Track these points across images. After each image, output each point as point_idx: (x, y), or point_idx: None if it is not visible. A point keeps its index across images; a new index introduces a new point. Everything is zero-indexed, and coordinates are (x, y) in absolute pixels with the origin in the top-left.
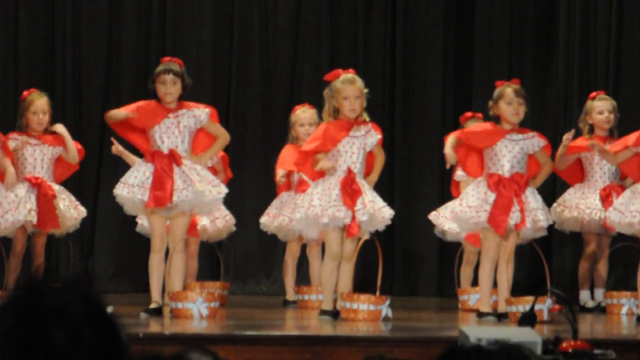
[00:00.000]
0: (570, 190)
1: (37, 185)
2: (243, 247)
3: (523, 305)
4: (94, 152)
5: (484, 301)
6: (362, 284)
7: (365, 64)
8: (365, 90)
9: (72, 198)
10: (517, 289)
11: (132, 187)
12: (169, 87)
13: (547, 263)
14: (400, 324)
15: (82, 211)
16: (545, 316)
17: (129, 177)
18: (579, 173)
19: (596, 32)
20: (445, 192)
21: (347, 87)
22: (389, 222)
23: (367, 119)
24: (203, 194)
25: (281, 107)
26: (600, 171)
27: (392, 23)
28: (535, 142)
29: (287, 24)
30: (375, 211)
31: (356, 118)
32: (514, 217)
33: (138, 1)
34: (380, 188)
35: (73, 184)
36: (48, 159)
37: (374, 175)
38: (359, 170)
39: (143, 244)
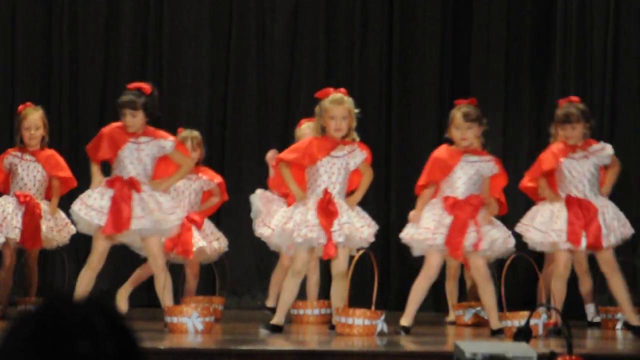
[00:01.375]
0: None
1: (25, 202)
2: (239, 262)
3: (518, 320)
4: (89, 165)
5: (409, 315)
6: (358, 298)
7: (361, 72)
8: (356, 110)
9: (62, 216)
10: (512, 304)
11: (90, 210)
12: (128, 119)
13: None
14: (395, 338)
15: (71, 230)
16: (541, 331)
17: (88, 198)
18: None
19: (593, 35)
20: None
21: (335, 107)
22: (367, 242)
23: (356, 138)
24: (160, 223)
25: (278, 120)
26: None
27: (389, 30)
28: (490, 166)
29: (284, 34)
30: (352, 232)
31: (343, 138)
32: (469, 239)
33: (135, 13)
34: (377, 200)
35: (68, 197)
36: (41, 176)
37: (358, 194)
38: (338, 191)
39: (138, 259)
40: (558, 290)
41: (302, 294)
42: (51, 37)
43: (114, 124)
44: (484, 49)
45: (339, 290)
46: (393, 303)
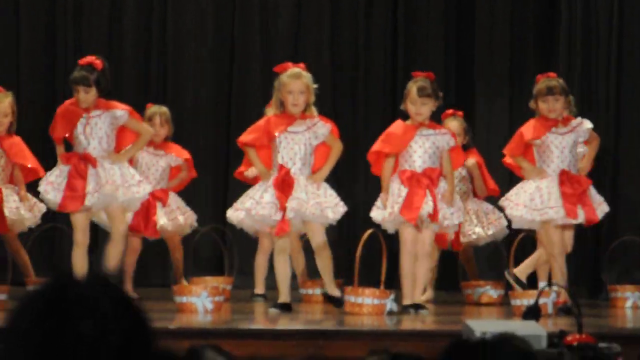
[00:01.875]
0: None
1: None
2: (247, 241)
3: (527, 298)
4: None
5: (406, 295)
6: (367, 278)
7: (366, 68)
8: (315, 86)
9: (29, 196)
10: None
11: (47, 186)
12: (82, 96)
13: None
14: (404, 317)
15: (40, 208)
16: (550, 310)
17: (50, 175)
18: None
19: (598, 31)
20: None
21: (292, 81)
22: (332, 219)
23: (315, 113)
24: (114, 197)
25: None
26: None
27: (393, 25)
28: (447, 139)
29: (287, 28)
30: (303, 208)
31: (303, 113)
32: (426, 208)
33: (138, 5)
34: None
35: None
36: (4, 162)
37: (325, 168)
38: (299, 167)
39: (147, 240)
40: (561, 267)
41: (312, 274)
42: (55, 29)
43: (67, 102)
44: (487, 49)
45: (321, 263)
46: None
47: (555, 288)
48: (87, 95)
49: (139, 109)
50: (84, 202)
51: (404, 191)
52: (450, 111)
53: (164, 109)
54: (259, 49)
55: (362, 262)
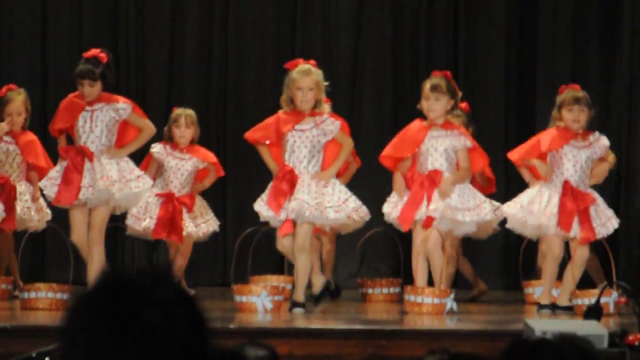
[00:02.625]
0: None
1: (2, 184)
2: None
3: (589, 298)
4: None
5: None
6: (429, 277)
7: (426, 66)
8: (326, 83)
9: (41, 200)
10: (584, 282)
11: (46, 182)
12: (87, 89)
13: (614, 255)
14: (464, 317)
15: (45, 215)
16: (612, 309)
17: (52, 171)
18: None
19: None
20: (510, 192)
21: (302, 77)
22: (333, 219)
23: (325, 110)
24: (109, 192)
25: (344, 101)
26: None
27: (454, 29)
28: (462, 140)
29: (349, 18)
30: (301, 208)
31: (312, 110)
32: (419, 214)
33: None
34: None
35: None
36: (20, 159)
37: (333, 166)
38: (304, 165)
39: (207, 239)
40: (551, 274)
41: (370, 274)
42: (118, 25)
43: (71, 95)
44: (549, 53)
45: (297, 264)
46: (462, 282)
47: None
48: (92, 89)
49: (201, 109)
50: (78, 196)
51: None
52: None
53: (190, 111)
54: (321, 55)
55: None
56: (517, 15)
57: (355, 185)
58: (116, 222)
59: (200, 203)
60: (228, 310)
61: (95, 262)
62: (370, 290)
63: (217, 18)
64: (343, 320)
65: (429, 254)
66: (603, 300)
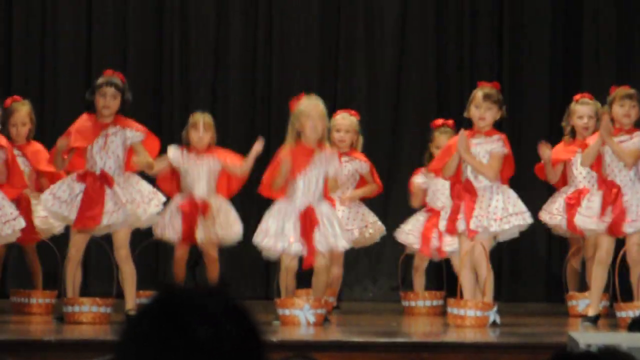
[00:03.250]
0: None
1: (17, 199)
2: (349, 253)
3: (633, 310)
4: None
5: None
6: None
7: (471, 73)
8: (328, 121)
9: None
10: (629, 294)
11: (61, 202)
12: (109, 100)
13: None
14: (507, 329)
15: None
16: None
17: (58, 190)
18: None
19: None
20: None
21: (311, 108)
22: (342, 249)
23: (328, 145)
24: (135, 215)
25: (385, 118)
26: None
27: (498, 30)
28: (499, 145)
29: (393, 30)
30: (332, 242)
31: (319, 143)
32: (460, 226)
33: (245, 9)
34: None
35: None
36: (29, 170)
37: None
38: (317, 198)
39: (251, 252)
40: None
41: (409, 284)
42: (163, 26)
43: (84, 117)
44: (594, 63)
45: (316, 282)
46: (503, 295)
47: None
48: (114, 100)
49: (245, 116)
50: (99, 221)
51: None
52: (439, 121)
53: (208, 116)
54: (363, 55)
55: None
56: (562, 26)
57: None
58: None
59: (224, 208)
60: (270, 324)
61: (129, 279)
62: (412, 303)
63: (261, 25)
64: (385, 333)
65: (476, 265)
66: None
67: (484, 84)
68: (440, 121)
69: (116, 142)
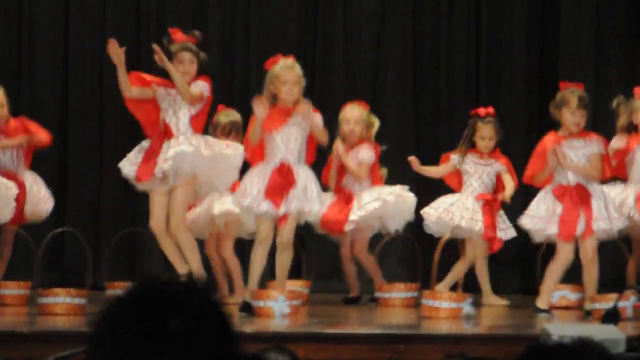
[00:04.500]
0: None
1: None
2: (325, 245)
3: (606, 302)
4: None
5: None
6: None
7: (448, 74)
8: (304, 81)
9: (42, 189)
10: (602, 286)
11: (125, 162)
12: (187, 65)
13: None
14: (481, 321)
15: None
16: (629, 313)
17: (131, 153)
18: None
19: None
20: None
21: (286, 72)
22: (315, 215)
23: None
24: (184, 157)
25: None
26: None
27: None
28: (598, 146)
29: (370, 30)
30: (301, 205)
31: (294, 105)
32: (580, 228)
33: (222, 17)
34: None
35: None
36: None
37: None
38: (296, 158)
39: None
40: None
41: (388, 278)
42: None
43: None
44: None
45: (278, 263)
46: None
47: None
48: (191, 65)
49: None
50: (154, 172)
51: (558, 207)
52: (482, 110)
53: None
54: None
55: (440, 267)
56: (539, 30)
57: None
58: (136, 227)
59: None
60: (245, 315)
61: (188, 251)
62: (387, 295)
63: (239, 26)
64: (360, 324)
65: (589, 262)
66: (621, 304)
67: (569, 85)
68: (483, 110)
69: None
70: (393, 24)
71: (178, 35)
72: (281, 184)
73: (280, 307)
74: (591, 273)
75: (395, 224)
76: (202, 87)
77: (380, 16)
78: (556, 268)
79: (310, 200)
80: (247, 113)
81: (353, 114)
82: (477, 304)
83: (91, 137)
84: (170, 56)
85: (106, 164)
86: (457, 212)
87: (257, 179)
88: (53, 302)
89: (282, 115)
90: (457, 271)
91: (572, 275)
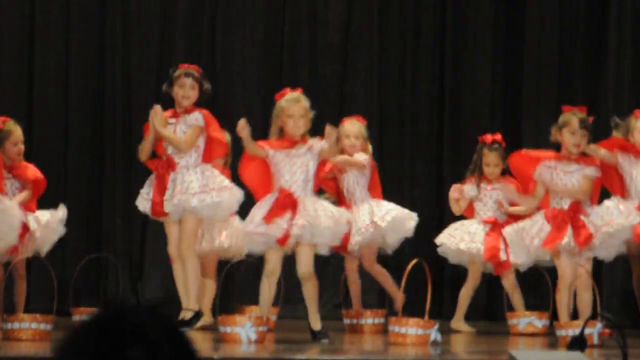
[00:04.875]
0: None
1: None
2: (291, 270)
3: (573, 329)
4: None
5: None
6: (412, 307)
7: (413, 86)
8: (312, 113)
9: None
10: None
11: (139, 199)
12: (187, 90)
13: (597, 286)
14: (448, 347)
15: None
16: (596, 340)
17: (144, 188)
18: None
19: None
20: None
21: (292, 105)
22: (329, 230)
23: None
24: (188, 203)
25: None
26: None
27: (440, 44)
28: (593, 170)
29: (337, 43)
30: (312, 222)
31: (302, 137)
32: (566, 240)
33: (189, 25)
34: (432, 210)
35: (125, 203)
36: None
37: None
38: (302, 188)
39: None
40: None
41: (346, 302)
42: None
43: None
44: (535, 75)
45: (305, 293)
46: (445, 313)
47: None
48: (192, 90)
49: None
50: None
51: (546, 227)
52: (489, 137)
53: None
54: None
55: (407, 292)
56: (503, 50)
57: None
58: (100, 252)
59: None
60: (213, 341)
61: (191, 276)
62: (354, 321)
63: (205, 43)
64: (327, 350)
65: (584, 286)
66: (587, 331)
67: (570, 108)
68: (489, 137)
69: (181, 128)
70: (358, 55)
71: (184, 64)
72: (280, 208)
73: (247, 332)
74: (584, 298)
75: (393, 240)
76: (195, 120)
77: (344, 46)
78: (563, 292)
79: (321, 232)
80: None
81: (352, 129)
82: (444, 330)
83: (56, 164)
84: (172, 81)
85: (71, 190)
86: (458, 236)
87: (263, 206)
88: (18, 327)
89: (288, 142)
90: (516, 302)
91: (541, 303)
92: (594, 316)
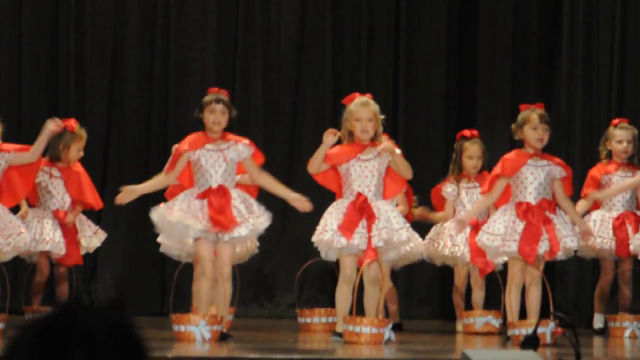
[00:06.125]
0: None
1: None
2: (248, 270)
3: (526, 328)
4: (98, 172)
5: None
6: (363, 307)
7: (367, 88)
8: (382, 117)
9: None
10: (521, 312)
11: (185, 214)
12: (218, 116)
13: (550, 285)
14: (402, 347)
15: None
16: (548, 339)
17: (175, 204)
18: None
19: (599, 50)
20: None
21: (361, 109)
22: (406, 244)
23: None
24: (256, 229)
25: (284, 132)
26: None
27: (395, 45)
28: (560, 169)
29: (290, 48)
30: (390, 235)
31: (371, 141)
32: (543, 246)
33: (142, 26)
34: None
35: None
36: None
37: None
38: (374, 193)
39: (146, 268)
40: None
41: (309, 302)
42: (58, 38)
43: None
44: (488, 77)
45: (372, 298)
46: (399, 312)
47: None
48: (223, 116)
49: (141, 144)
50: (232, 229)
51: (519, 226)
52: (467, 132)
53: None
54: (260, 72)
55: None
56: (457, 49)
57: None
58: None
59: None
60: (166, 340)
61: (227, 301)
62: (308, 320)
63: (159, 50)
64: (281, 350)
65: (533, 285)
66: (540, 330)
67: (528, 106)
68: (468, 132)
69: (230, 156)
70: (311, 64)
71: (213, 88)
72: (357, 216)
73: (201, 331)
74: (532, 294)
75: (390, 254)
76: (249, 151)
77: (297, 55)
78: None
79: (397, 230)
80: (164, 145)
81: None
82: (398, 329)
83: None
84: (202, 106)
85: None
86: (441, 241)
87: (336, 214)
88: None
89: (354, 150)
90: (477, 300)
91: (495, 302)
92: (546, 315)
